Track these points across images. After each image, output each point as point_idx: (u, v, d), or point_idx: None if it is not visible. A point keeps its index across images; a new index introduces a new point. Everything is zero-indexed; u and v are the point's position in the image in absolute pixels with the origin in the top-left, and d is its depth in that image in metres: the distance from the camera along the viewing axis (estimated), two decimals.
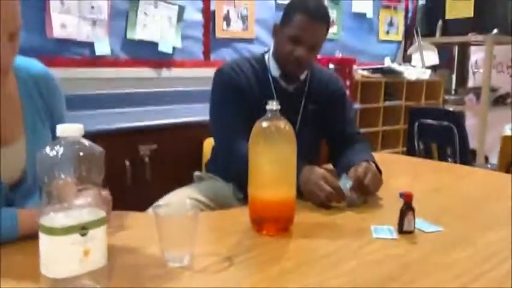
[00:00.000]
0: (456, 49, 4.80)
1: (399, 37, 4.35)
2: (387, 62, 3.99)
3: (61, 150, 0.72)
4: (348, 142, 1.56)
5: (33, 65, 1.10)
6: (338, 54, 3.59)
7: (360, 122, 3.38)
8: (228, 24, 3.08)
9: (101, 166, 0.75)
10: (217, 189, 1.55)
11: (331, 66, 3.25)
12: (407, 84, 3.84)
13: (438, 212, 1.22)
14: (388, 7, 4.20)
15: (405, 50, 4.35)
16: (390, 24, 4.25)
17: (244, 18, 3.15)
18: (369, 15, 4.03)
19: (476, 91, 4.38)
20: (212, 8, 3.01)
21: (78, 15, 2.45)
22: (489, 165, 3.86)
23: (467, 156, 2.60)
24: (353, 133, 1.61)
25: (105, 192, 0.89)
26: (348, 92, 3.14)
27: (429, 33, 4.22)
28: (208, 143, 1.87)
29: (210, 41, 3.01)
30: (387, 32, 4.23)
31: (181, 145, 2.19)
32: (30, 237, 0.84)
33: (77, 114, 1.47)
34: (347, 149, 1.51)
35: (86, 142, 0.75)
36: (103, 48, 2.54)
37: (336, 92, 1.62)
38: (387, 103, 3.72)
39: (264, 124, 1.05)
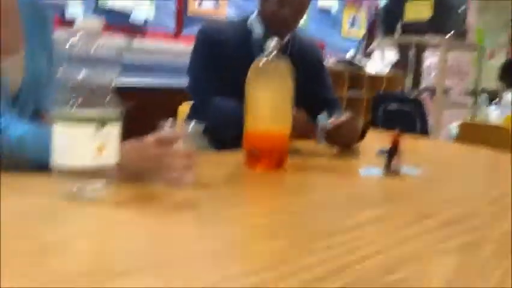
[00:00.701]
0: (412, 52, 5.02)
1: (362, 34, 4.50)
2: (350, 56, 4.12)
3: (80, 43, 0.71)
4: (328, 107, 1.60)
5: None
6: None
7: None
8: (201, 2, 3.08)
9: (117, 64, 0.75)
10: (199, 143, 1.55)
11: None
12: (368, 77, 3.98)
13: (416, 162, 1.28)
14: (352, 4, 4.34)
15: (366, 47, 4.51)
16: (354, 21, 4.39)
17: None
18: (334, 10, 4.14)
19: (430, 91, 4.61)
20: None
21: None
22: None
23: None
24: (333, 99, 1.65)
25: None
26: None
27: (389, 32, 4.40)
28: (183, 109, 1.87)
29: (183, 15, 3.00)
30: (351, 28, 4.37)
31: (155, 109, 2.16)
32: None
33: None
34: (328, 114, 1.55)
35: (104, 38, 0.74)
36: (74, 11, 2.47)
37: (316, 59, 1.66)
38: (350, 93, 3.84)
39: (263, 59, 1.07)
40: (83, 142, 0.70)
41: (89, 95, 0.71)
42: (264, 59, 1.07)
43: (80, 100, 0.70)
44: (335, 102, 1.65)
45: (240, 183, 0.95)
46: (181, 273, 0.49)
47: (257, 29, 1.54)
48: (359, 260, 0.55)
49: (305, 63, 1.61)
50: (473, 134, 2.64)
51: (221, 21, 1.60)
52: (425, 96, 4.45)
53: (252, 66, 1.08)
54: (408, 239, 0.66)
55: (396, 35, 4.35)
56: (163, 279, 0.47)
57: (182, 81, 1.59)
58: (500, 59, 7.97)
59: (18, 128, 0.83)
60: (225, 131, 1.41)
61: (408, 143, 1.76)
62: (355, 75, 3.91)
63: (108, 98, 0.74)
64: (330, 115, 1.50)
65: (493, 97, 4.38)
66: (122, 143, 0.77)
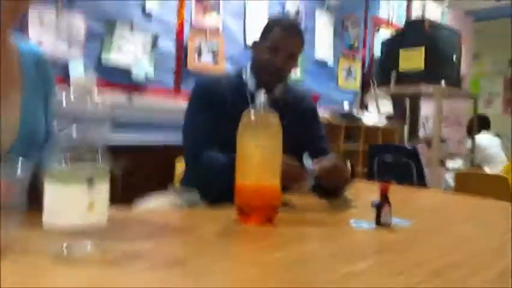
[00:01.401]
0: (408, 102, 5.12)
1: (357, 85, 4.60)
2: (346, 108, 4.19)
3: (74, 101, 0.75)
4: (321, 157, 1.63)
5: (32, 44, 1.14)
6: None
7: None
8: (200, 57, 3.19)
9: (109, 122, 0.78)
10: (193, 199, 1.57)
11: None
12: (365, 129, 4.04)
13: (409, 213, 1.29)
14: (347, 56, 4.47)
15: (362, 98, 4.60)
16: (349, 72, 4.50)
17: (214, 53, 3.27)
18: (330, 63, 4.26)
19: (427, 141, 4.67)
20: (185, 40, 3.11)
21: (55, 34, 2.47)
22: None
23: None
24: (326, 148, 1.68)
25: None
26: None
27: (384, 82, 4.51)
28: (180, 166, 1.89)
29: (182, 71, 3.09)
30: (346, 79, 4.47)
31: (154, 166, 2.19)
32: None
33: None
34: None
35: (96, 97, 0.78)
36: (76, 68, 2.56)
37: (309, 110, 1.71)
38: (347, 146, 3.88)
39: (252, 113, 1.11)
40: (73, 200, 0.72)
41: (81, 152, 0.74)
42: (253, 113, 1.11)
43: (71, 157, 0.73)
44: (328, 152, 1.67)
45: (230, 237, 0.96)
46: None
47: (250, 81, 1.59)
48: None
49: (298, 114, 1.66)
50: (470, 183, 2.65)
51: (216, 75, 1.66)
52: (422, 146, 4.50)
53: (242, 118, 1.12)
54: None
55: (391, 85, 4.45)
56: None
57: (180, 138, 1.62)
58: (496, 107, 8.11)
59: None
60: (217, 186, 1.43)
61: (403, 193, 1.79)
62: (352, 128, 3.97)
63: (99, 155, 0.76)
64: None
65: None
66: None
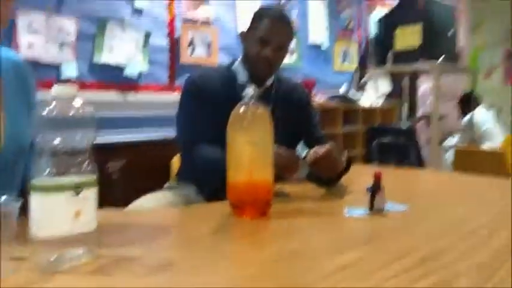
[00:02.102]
0: (406, 80, 5.09)
1: (354, 67, 4.57)
2: (343, 91, 4.17)
3: (55, 109, 0.75)
4: (315, 146, 1.63)
5: (9, 52, 1.13)
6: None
7: None
8: (193, 50, 3.17)
9: (93, 127, 0.78)
10: (189, 194, 1.57)
11: None
12: (363, 111, 4.02)
13: (404, 197, 1.29)
14: (343, 38, 4.44)
15: (359, 79, 4.57)
16: (345, 54, 4.48)
17: (208, 45, 3.25)
18: (325, 46, 4.23)
19: (426, 118, 4.66)
20: (177, 34, 3.10)
21: (45, 37, 2.47)
22: None
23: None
24: (319, 137, 1.68)
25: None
26: None
27: (381, 63, 4.48)
28: (177, 161, 1.90)
29: (175, 66, 3.08)
30: (343, 62, 4.45)
31: (150, 161, 2.20)
32: None
33: None
34: None
35: (80, 103, 0.77)
36: (69, 70, 2.56)
37: (301, 99, 1.70)
38: (346, 129, 3.87)
39: (242, 109, 1.10)
40: (60, 209, 0.72)
41: (66, 160, 0.74)
42: (243, 107, 1.11)
43: (56, 166, 0.73)
44: (322, 140, 1.67)
45: (224, 234, 0.97)
46: None
47: (241, 74, 1.59)
48: None
49: (291, 104, 1.66)
50: (469, 160, 2.65)
51: (206, 68, 1.65)
52: (421, 124, 4.49)
53: (231, 114, 1.11)
54: (386, 280, 0.68)
55: (388, 64, 4.43)
56: None
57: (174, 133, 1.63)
58: (497, 78, 8.06)
59: None
60: (211, 180, 1.44)
61: (399, 176, 1.79)
62: (349, 110, 3.96)
63: (85, 162, 0.77)
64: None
65: None
66: None
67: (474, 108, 4.62)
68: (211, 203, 1.30)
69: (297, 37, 3.95)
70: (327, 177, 1.38)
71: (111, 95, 2.79)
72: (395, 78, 4.66)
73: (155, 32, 2.98)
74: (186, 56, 3.13)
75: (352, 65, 4.56)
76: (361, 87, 4.46)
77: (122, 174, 2.16)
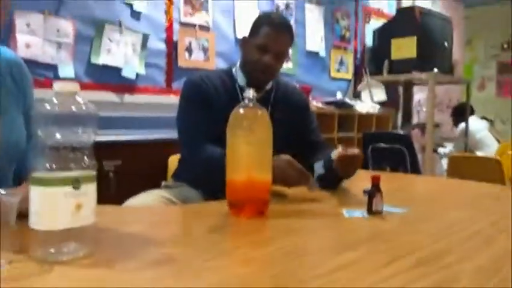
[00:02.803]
0: (401, 89, 5.13)
1: (350, 75, 4.60)
2: (339, 97, 4.19)
3: (57, 105, 0.75)
4: (315, 149, 1.63)
5: (5, 50, 1.13)
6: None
7: None
8: (190, 55, 3.18)
9: (94, 124, 0.78)
10: (187, 194, 1.57)
11: None
12: (359, 117, 4.04)
13: (402, 201, 1.30)
14: (339, 47, 4.46)
15: (355, 87, 4.60)
16: (341, 63, 4.50)
17: (205, 50, 3.26)
18: (322, 54, 4.25)
19: (421, 126, 4.69)
20: (175, 38, 3.11)
21: (43, 37, 2.46)
22: None
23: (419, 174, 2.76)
24: (318, 141, 1.69)
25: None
26: None
27: (377, 72, 4.51)
28: (173, 160, 1.90)
29: (173, 69, 3.08)
30: (338, 70, 4.47)
31: (146, 162, 2.20)
32: None
33: None
34: (315, 155, 1.57)
35: (81, 99, 0.78)
36: (66, 71, 2.55)
37: (300, 103, 1.71)
38: (341, 134, 3.88)
39: (241, 110, 1.11)
40: (59, 202, 0.72)
41: (66, 155, 0.74)
42: (242, 109, 1.11)
43: (56, 160, 0.73)
44: (322, 144, 1.68)
45: (221, 233, 0.96)
46: None
47: (240, 78, 1.59)
48: None
49: (290, 108, 1.66)
50: (464, 166, 2.66)
51: (206, 71, 1.66)
52: (416, 132, 4.51)
53: (231, 114, 1.12)
54: (384, 280, 0.67)
55: (384, 74, 4.46)
56: None
57: (172, 134, 1.62)
58: (490, 91, 8.14)
59: None
60: (216, 179, 1.43)
61: (396, 181, 1.80)
62: (345, 116, 3.97)
63: (85, 158, 0.76)
64: (320, 159, 1.53)
65: None
66: None
67: (468, 118, 4.67)
68: (209, 202, 1.30)
69: (294, 45, 3.96)
70: (341, 178, 1.41)
71: (108, 96, 2.78)
72: (390, 88, 4.69)
73: (153, 35, 2.98)
74: (183, 60, 3.14)
75: (348, 73, 4.58)
76: (357, 96, 4.48)
77: (119, 174, 2.15)
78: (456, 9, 5.65)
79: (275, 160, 1.30)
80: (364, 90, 4.43)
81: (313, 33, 4.15)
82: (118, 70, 2.80)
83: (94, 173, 0.78)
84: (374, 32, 4.73)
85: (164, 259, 0.75)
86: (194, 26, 3.20)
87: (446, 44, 4.65)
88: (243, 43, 1.61)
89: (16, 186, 1.05)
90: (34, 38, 2.44)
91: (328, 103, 3.88)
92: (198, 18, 3.23)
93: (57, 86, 0.76)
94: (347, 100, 4.05)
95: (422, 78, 4.24)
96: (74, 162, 0.75)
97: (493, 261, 0.78)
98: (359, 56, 4.73)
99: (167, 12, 3.06)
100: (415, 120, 5.13)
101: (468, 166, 2.58)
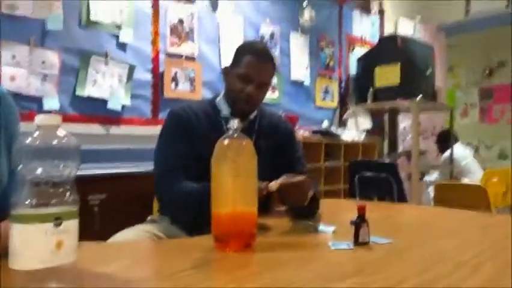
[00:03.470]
0: (386, 116, 5.19)
1: (335, 103, 4.65)
2: (325, 126, 4.22)
3: (38, 139, 0.74)
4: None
5: None
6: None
7: None
8: (177, 85, 3.19)
9: (76, 158, 0.77)
10: (173, 228, 1.54)
11: None
12: (345, 145, 4.07)
13: (388, 231, 1.29)
14: (324, 76, 4.53)
15: (340, 116, 4.64)
16: (326, 91, 4.56)
17: (191, 80, 3.28)
18: (307, 82, 4.31)
19: (407, 154, 4.73)
20: (161, 69, 3.12)
21: (28, 69, 2.46)
22: None
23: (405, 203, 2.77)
24: (302, 170, 1.68)
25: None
26: None
27: (361, 99, 4.57)
28: None
29: (159, 100, 3.09)
30: (324, 99, 4.52)
31: (132, 195, 2.17)
32: None
33: None
34: None
35: (63, 133, 0.77)
36: (51, 103, 2.54)
37: (285, 132, 1.71)
38: (328, 163, 3.90)
39: (226, 141, 1.10)
40: (40, 240, 0.71)
41: (47, 191, 0.73)
42: (226, 140, 1.11)
43: (37, 196, 0.72)
44: (306, 174, 1.67)
45: (207, 268, 0.94)
46: None
47: (224, 108, 1.60)
48: None
49: (274, 138, 1.66)
50: (451, 194, 2.68)
51: (189, 102, 1.66)
52: (402, 160, 4.55)
53: (216, 146, 1.11)
54: None
55: (369, 102, 4.52)
56: None
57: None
58: (473, 117, 8.28)
59: None
60: (185, 215, 1.43)
61: (382, 210, 1.80)
62: (331, 145, 3.99)
63: (67, 193, 0.75)
64: None
65: None
66: None
67: (452, 145, 4.72)
68: (194, 237, 1.28)
69: (279, 73, 4.02)
70: (294, 205, 1.38)
71: (94, 128, 2.77)
72: (376, 115, 4.75)
73: (139, 66, 3.00)
74: (170, 91, 3.15)
75: (333, 101, 4.63)
76: (342, 124, 4.52)
77: (104, 208, 2.12)
78: (437, 37, 5.79)
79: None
80: (350, 119, 4.47)
81: (298, 62, 4.22)
82: (103, 102, 2.80)
83: (75, 208, 0.76)
84: (358, 60, 4.82)
85: None
86: (180, 56, 3.23)
87: (428, 71, 4.75)
88: (225, 73, 1.61)
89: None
90: (19, 70, 2.43)
91: (314, 132, 3.91)
92: (184, 49, 3.26)
93: (38, 119, 0.75)
94: (333, 129, 4.08)
95: (406, 105, 4.30)
96: (55, 197, 0.74)
97: None
98: (343, 84, 4.79)
99: (154, 43, 3.09)
100: (401, 147, 5.18)
101: (454, 194, 2.59)
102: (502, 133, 7.69)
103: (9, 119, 1.13)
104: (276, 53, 3.99)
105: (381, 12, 5.28)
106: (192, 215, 1.37)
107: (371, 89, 4.53)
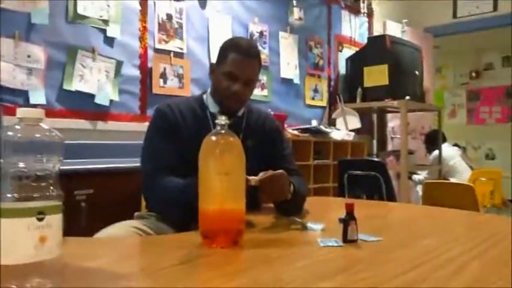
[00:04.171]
0: (375, 116, 5.22)
1: (324, 102, 4.65)
2: (314, 124, 4.22)
3: (20, 132, 0.72)
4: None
5: None
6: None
7: None
8: (165, 81, 3.17)
9: (59, 152, 0.75)
10: (161, 224, 1.53)
11: None
12: (334, 144, 4.07)
13: (376, 229, 1.29)
14: (313, 75, 4.53)
15: (329, 115, 4.65)
16: (315, 90, 4.56)
17: (180, 76, 3.26)
18: (296, 81, 4.30)
19: (395, 153, 4.75)
20: (149, 65, 3.10)
21: (13, 63, 2.42)
22: None
23: (394, 201, 2.78)
24: (289, 169, 1.67)
25: None
26: None
27: (350, 99, 4.59)
28: None
29: (147, 96, 3.06)
30: (313, 98, 4.52)
31: (119, 191, 2.15)
32: None
33: None
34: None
35: (46, 126, 0.75)
36: (37, 97, 2.50)
37: (273, 129, 1.70)
38: (317, 162, 3.90)
39: (213, 137, 1.09)
40: (22, 235, 0.69)
41: (30, 185, 0.71)
42: (214, 136, 1.09)
43: (19, 190, 0.70)
44: (294, 172, 1.66)
45: (194, 264, 0.93)
46: None
47: (211, 105, 1.58)
48: None
49: (262, 135, 1.65)
50: (439, 193, 2.70)
51: (176, 99, 1.64)
52: (391, 159, 4.57)
53: (203, 142, 1.10)
54: None
55: (358, 101, 4.53)
56: None
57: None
58: (461, 118, 8.36)
59: None
60: (172, 212, 1.41)
61: (371, 208, 1.80)
62: (321, 143, 3.99)
63: (50, 188, 0.73)
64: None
65: None
66: None
67: (440, 145, 4.76)
68: (182, 233, 1.27)
69: (269, 72, 4.01)
70: (273, 198, 1.41)
71: (80, 123, 2.73)
72: (364, 115, 4.76)
73: (127, 62, 2.97)
74: (158, 87, 3.12)
75: (322, 100, 4.64)
76: (332, 123, 4.53)
77: (91, 203, 2.09)
78: (425, 38, 5.83)
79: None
80: (339, 118, 4.48)
81: (287, 60, 4.21)
82: (91, 97, 2.77)
83: (59, 203, 0.74)
84: (347, 60, 4.83)
85: None
86: (168, 52, 3.21)
87: (416, 72, 4.78)
88: (211, 71, 1.60)
89: None
90: (4, 64, 2.39)
91: (303, 130, 3.90)
92: (173, 45, 3.23)
93: (20, 112, 0.73)
94: (322, 127, 4.08)
95: (395, 105, 4.32)
96: (38, 191, 0.72)
97: None
98: (332, 83, 4.80)
99: (142, 39, 3.06)
100: (389, 147, 5.20)
101: (442, 192, 2.61)
102: (489, 134, 7.80)
103: None
104: (265, 51, 3.98)
105: (369, 14, 5.30)
106: (179, 212, 1.36)
107: (359, 89, 4.54)
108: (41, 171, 0.72)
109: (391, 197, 2.73)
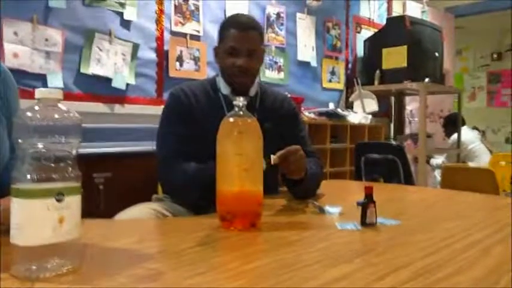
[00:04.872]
0: (393, 100, 5.14)
1: (341, 85, 4.60)
2: (331, 107, 4.18)
3: (39, 113, 0.72)
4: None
5: None
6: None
7: None
8: (181, 64, 3.16)
9: (78, 133, 0.75)
10: (178, 206, 1.53)
11: None
12: (351, 127, 4.03)
13: (395, 212, 1.28)
14: (330, 57, 4.47)
15: (347, 97, 4.59)
16: (333, 73, 4.50)
17: (196, 59, 3.24)
18: (313, 63, 4.25)
19: (413, 137, 4.69)
20: (165, 48, 3.09)
21: (31, 47, 2.43)
22: None
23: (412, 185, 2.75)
24: (307, 150, 1.66)
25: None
26: None
27: (368, 82, 4.52)
28: None
29: (163, 79, 3.06)
30: (330, 80, 4.47)
31: (137, 174, 2.16)
32: None
33: None
34: None
35: (64, 107, 0.75)
36: (55, 81, 2.52)
37: (289, 111, 1.69)
38: (333, 145, 3.87)
39: (231, 119, 1.08)
40: (41, 216, 0.69)
41: (49, 166, 0.71)
42: (231, 118, 1.09)
43: (38, 171, 0.70)
44: (310, 154, 1.65)
45: (212, 245, 0.93)
46: None
47: (223, 87, 1.57)
48: None
49: (279, 117, 1.64)
50: (458, 177, 2.66)
51: (190, 82, 1.64)
52: (408, 143, 4.51)
53: (221, 124, 1.09)
54: None
55: (376, 84, 4.47)
56: None
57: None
58: (481, 101, 8.20)
59: None
60: (189, 196, 1.42)
61: (389, 192, 1.78)
62: (338, 127, 3.96)
63: (69, 169, 0.73)
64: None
65: None
66: None
67: (459, 128, 4.68)
68: (200, 215, 1.27)
69: (286, 54, 3.97)
70: (291, 177, 1.38)
71: (98, 107, 2.75)
72: (382, 98, 4.70)
73: (144, 45, 2.97)
74: (174, 70, 3.12)
75: (339, 83, 4.58)
76: (349, 106, 4.48)
77: (109, 186, 2.11)
78: (446, 19, 5.70)
79: None
80: (356, 101, 4.43)
81: (304, 42, 4.16)
82: (108, 80, 2.78)
83: (78, 184, 0.74)
84: (365, 42, 4.75)
85: (151, 275, 0.72)
86: (185, 35, 3.19)
87: (436, 53, 4.68)
88: (215, 52, 1.60)
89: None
90: (22, 47, 2.41)
91: (320, 113, 3.87)
92: (189, 28, 3.22)
93: (39, 92, 0.73)
94: (339, 111, 4.04)
95: (414, 87, 4.25)
96: (57, 173, 0.72)
97: (489, 272, 0.75)
98: (350, 65, 4.73)
99: (158, 22, 3.05)
100: (407, 130, 5.13)
101: (462, 177, 2.57)
102: (510, 117, 7.64)
103: (8, 93, 1.11)
104: (282, 32, 3.93)
105: None
106: (196, 196, 1.36)
107: (378, 71, 4.47)
108: (60, 152, 0.72)
109: (409, 181, 2.70)
